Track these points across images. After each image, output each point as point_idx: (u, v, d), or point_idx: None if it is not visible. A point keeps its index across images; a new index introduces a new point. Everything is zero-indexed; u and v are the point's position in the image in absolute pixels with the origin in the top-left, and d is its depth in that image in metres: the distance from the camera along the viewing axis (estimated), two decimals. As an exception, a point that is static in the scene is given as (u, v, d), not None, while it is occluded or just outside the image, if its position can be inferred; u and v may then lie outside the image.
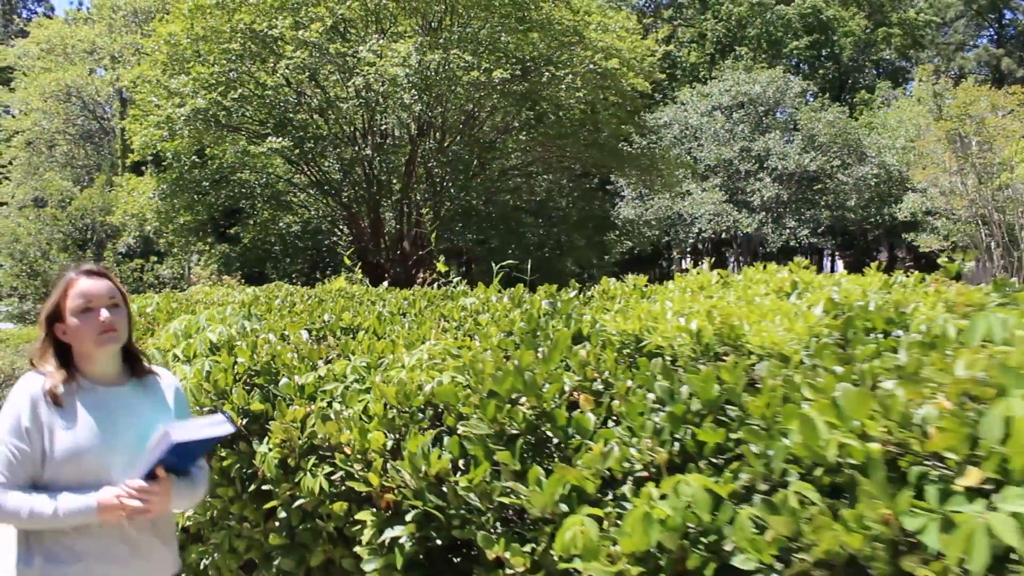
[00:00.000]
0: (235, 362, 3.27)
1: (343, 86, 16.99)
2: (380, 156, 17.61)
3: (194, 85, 16.59)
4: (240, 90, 16.96)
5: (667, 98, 33.44)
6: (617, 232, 27.27)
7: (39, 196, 25.44)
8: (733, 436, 1.80)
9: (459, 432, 2.22)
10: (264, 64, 17.29)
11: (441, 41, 17.02)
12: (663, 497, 1.69)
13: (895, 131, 29.02)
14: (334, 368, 3.01)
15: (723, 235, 30.72)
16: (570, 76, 17.51)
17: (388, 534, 2.37)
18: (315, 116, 18.08)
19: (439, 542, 2.29)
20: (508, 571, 1.96)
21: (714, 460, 1.81)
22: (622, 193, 29.85)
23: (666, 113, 31.04)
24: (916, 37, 35.81)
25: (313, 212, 19.43)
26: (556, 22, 17.73)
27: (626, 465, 1.89)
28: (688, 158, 29.39)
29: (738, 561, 1.60)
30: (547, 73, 17.52)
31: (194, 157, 18.29)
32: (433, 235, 14.18)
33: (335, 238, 19.80)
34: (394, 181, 18.64)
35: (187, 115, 16.35)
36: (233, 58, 16.95)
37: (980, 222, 23.37)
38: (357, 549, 2.55)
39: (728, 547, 1.62)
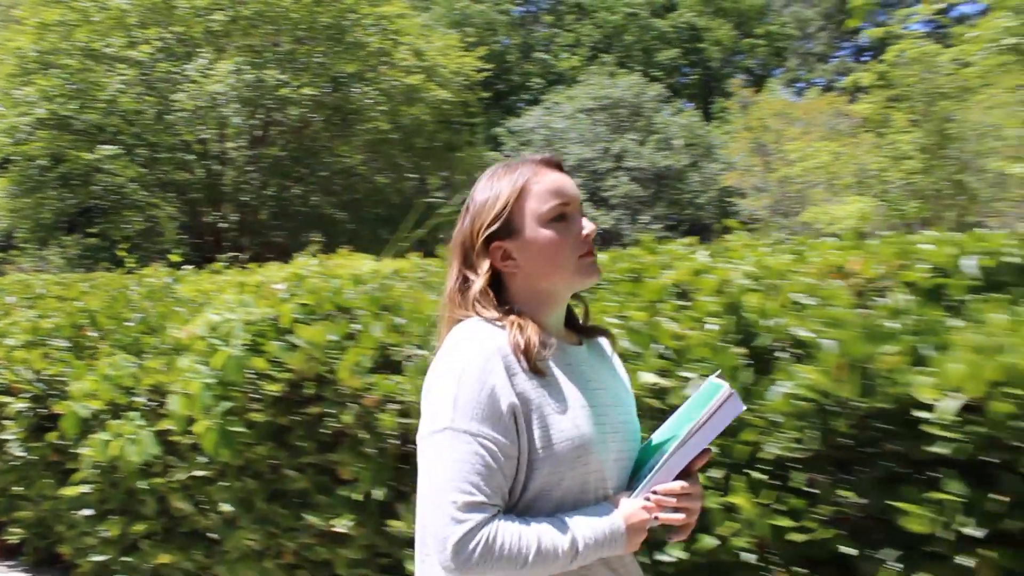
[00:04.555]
0: None
1: (171, 101, 19.37)
2: (211, 163, 20.06)
3: (38, 95, 18.91)
4: (79, 101, 19.28)
5: (540, 103, 35.89)
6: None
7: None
8: None
9: None
10: (100, 78, 19.59)
11: (259, 61, 19.44)
12: None
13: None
14: None
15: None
16: (376, 91, 20.07)
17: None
18: (151, 126, 20.40)
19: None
20: None
21: None
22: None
23: (532, 118, 33.51)
24: (777, 48, 38.62)
25: (156, 212, 21.71)
26: (367, 45, 20.28)
27: None
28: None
29: None
30: (356, 89, 20.10)
31: (46, 161, 20.52)
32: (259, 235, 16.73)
33: (181, 237, 22.10)
34: (226, 185, 20.99)
35: (30, 124, 18.72)
36: (72, 72, 19.27)
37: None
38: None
39: None
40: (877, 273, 2.80)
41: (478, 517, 1.38)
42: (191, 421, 3.59)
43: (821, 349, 2.21)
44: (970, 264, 2.66)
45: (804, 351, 2.32)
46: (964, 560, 2.10)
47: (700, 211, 32.73)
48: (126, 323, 4.69)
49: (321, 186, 21.26)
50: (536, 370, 1.49)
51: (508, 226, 1.57)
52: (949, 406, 2.00)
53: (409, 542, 3.08)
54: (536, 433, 1.46)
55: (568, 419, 1.49)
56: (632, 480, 1.61)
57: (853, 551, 2.24)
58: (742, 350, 2.55)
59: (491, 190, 1.60)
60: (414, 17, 23.22)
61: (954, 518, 2.06)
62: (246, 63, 18.73)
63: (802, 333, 2.32)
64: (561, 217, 1.57)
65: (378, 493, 3.17)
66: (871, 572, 2.22)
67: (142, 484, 4.05)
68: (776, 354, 2.47)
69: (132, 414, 4.05)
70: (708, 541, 2.40)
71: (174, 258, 6.52)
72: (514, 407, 1.45)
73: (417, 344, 3.16)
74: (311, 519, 3.38)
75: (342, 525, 3.26)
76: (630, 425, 1.66)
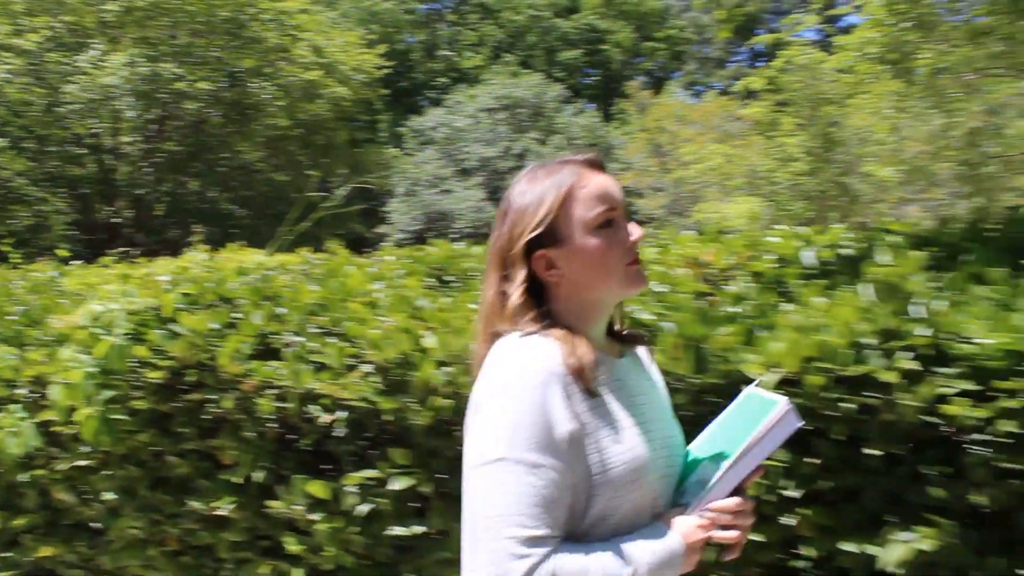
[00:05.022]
0: None
1: (61, 93, 18.87)
2: (104, 158, 19.60)
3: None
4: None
5: (442, 103, 36.01)
6: (381, 225, 30.07)
7: None
8: None
9: None
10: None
11: (155, 54, 19.08)
12: None
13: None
14: None
15: (484, 230, 33.47)
16: (274, 87, 19.88)
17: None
18: (40, 118, 19.82)
19: None
20: None
21: None
22: (396, 190, 32.44)
23: (434, 116, 33.58)
24: (677, 52, 39.59)
25: (45, 207, 21.11)
26: (265, 40, 20.07)
27: None
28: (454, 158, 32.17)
29: None
30: (254, 84, 19.88)
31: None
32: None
33: (72, 233, 21.52)
34: (120, 181, 20.54)
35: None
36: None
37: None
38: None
39: None
40: (728, 263, 3.02)
41: (540, 551, 1.31)
42: (73, 411, 3.62)
43: (661, 331, 2.41)
44: (809, 255, 2.90)
45: (648, 333, 2.52)
46: (787, 519, 2.33)
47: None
48: (8, 316, 4.66)
49: (219, 182, 20.97)
50: (590, 392, 1.41)
51: (552, 233, 1.48)
52: (767, 380, 2.22)
53: (287, 523, 3.22)
54: (593, 458, 1.39)
55: (624, 441, 1.43)
56: (674, 495, 1.54)
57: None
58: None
59: (532, 194, 1.50)
60: (319, 14, 23.08)
61: (776, 481, 2.28)
62: (141, 56, 18.38)
63: (645, 316, 2.51)
64: (608, 223, 1.49)
65: (258, 476, 3.26)
66: (707, 534, 2.42)
67: (23, 477, 4.05)
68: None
69: (13, 407, 4.05)
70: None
71: (62, 253, 6.44)
72: (572, 433, 1.37)
73: (295, 331, 3.27)
74: (193, 504, 3.45)
75: (223, 508, 3.34)
76: (674, 439, 1.59)
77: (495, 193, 32.58)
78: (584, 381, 1.39)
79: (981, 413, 2.10)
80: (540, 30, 39.40)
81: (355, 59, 22.43)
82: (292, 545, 3.19)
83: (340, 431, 3.04)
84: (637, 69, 40.84)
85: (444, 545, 2.88)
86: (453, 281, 3.66)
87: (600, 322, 1.55)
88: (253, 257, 5.21)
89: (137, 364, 3.51)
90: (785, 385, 2.24)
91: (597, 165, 1.54)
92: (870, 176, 15.78)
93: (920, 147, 13.23)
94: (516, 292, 1.48)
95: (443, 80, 37.50)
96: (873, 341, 2.24)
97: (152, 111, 19.44)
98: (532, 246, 1.48)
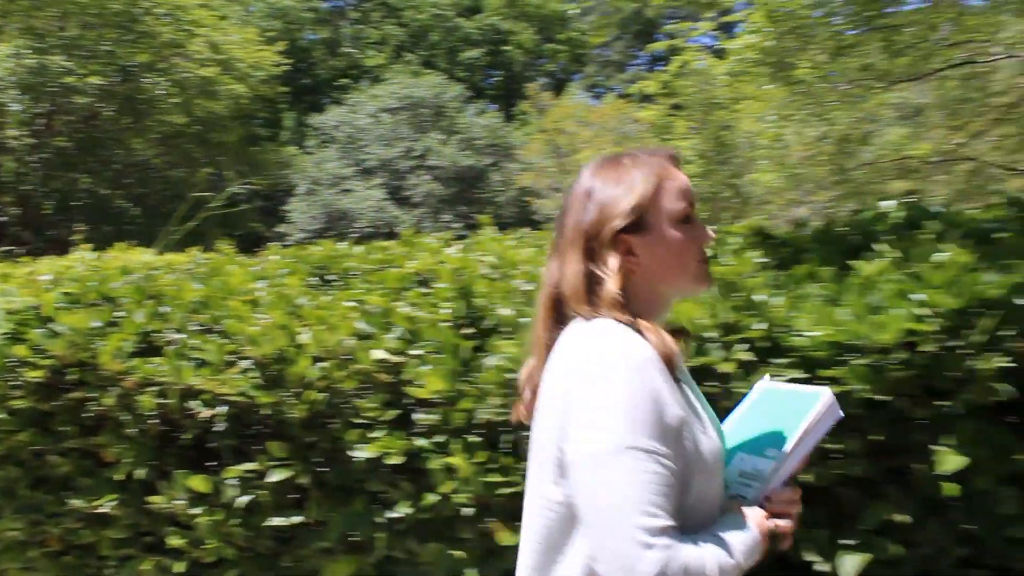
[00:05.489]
0: None
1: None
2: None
3: None
4: None
5: (344, 102, 35.80)
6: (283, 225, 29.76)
7: None
8: None
9: None
10: None
11: (42, 45, 18.55)
12: None
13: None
14: None
15: (384, 230, 33.41)
16: (169, 83, 19.52)
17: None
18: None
19: None
20: None
21: None
22: (297, 189, 32.13)
23: (336, 115, 33.36)
24: (578, 55, 40.16)
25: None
26: (159, 35, 19.69)
27: None
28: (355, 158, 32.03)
29: None
30: (147, 79, 19.49)
31: None
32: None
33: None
34: (6, 176, 19.89)
35: None
36: None
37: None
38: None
39: None
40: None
41: (665, 541, 1.29)
42: (-52, 411, 3.60)
43: (521, 326, 2.57)
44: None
45: (513, 329, 2.68)
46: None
47: (500, 210, 33.51)
48: None
49: (112, 179, 20.48)
50: (676, 380, 1.42)
51: (640, 221, 1.48)
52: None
53: (169, 518, 3.28)
54: (689, 446, 1.39)
55: (707, 431, 1.44)
56: None
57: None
58: (471, 330, 2.88)
59: (622, 182, 1.50)
60: (219, 9, 22.74)
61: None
62: (27, 47, 17.87)
63: (506, 312, 2.67)
64: (687, 219, 1.51)
65: (140, 472, 3.31)
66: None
67: None
68: (496, 332, 2.82)
69: None
70: (431, 498, 2.71)
71: None
72: (678, 420, 1.37)
73: (177, 329, 3.33)
74: (75, 502, 3.47)
75: (105, 506, 3.38)
76: (720, 430, 1.58)
77: (396, 193, 32.58)
78: (672, 369, 1.40)
79: (807, 400, 2.31)
80: (443, 29, 39.49)
81: (253, 56, 22.17)
82: (174, 539, 3.24)
83: (220, 426, 3.12)
84: (539, 71, 41.26)
85: (322, 535, 2.98)
86: (335, 280, 3.76)
87: (663, 316, 1.54)
88: (141, 256, 5.20)
89: (16, 363, 3.52)
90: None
91: (678, 161, 1.57)
92: (755, 181, 16.33)
93: (802, 152, 13.80)
94: (613, 279, 1.45)
95: (345, 80, 37.22)
96: (714, 334, 2.43)
97: (40, 105, 18.89)
98: (634, 227, 1.48)
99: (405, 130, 32.86)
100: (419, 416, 2.78)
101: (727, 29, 16.91)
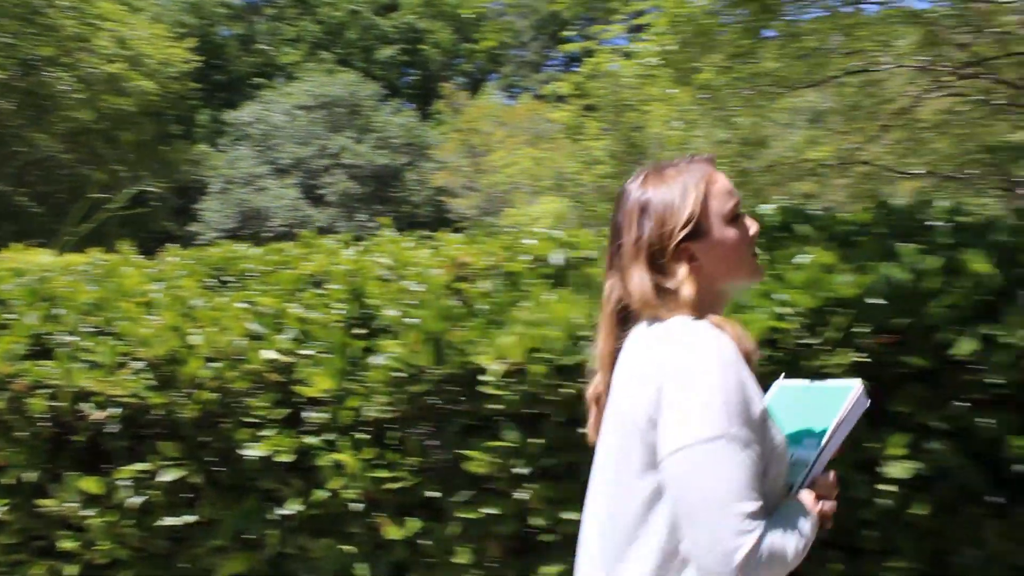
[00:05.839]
0: None
1: None
2: None
3: None
4: None
5: (258, 98, 35.33)
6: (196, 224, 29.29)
7: None
8: None
9: None
10: None
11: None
12: None
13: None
14: None
15: (298, 228, 33.10)
16: (74, 78, 19.05)
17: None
18: None
19: None
20: None
21: None
22: (210, 188, 31.60)
23: (250, 112, 32.90)
24: (494, 55, 40.27)
25: None
26: (63, 28, 19.19)
27: None
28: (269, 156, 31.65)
29: None
30: (50, 74, 18.99)
31: None
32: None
33: None
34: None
35: None
36: None
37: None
38: None
39: None
40: (486, 264, 3.30)
41: (759, 525, 1.37)
42: None
43: (405, 327, 2.65)
44: (556, 257, 3.21)
45: (400, 329, 2.76)
46: (520, 494, 2.61)
47: (416, 209, 33.49)
48: None
49: (14, 176, 19.90)
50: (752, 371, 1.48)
51: (698, 228, 1.53)
52: (496, 369, 2.50)
53: (61, 521, 3.27)
54: (769, 435, 1.46)
55: (776, 421, 1.51)
56: None
57: (438, 494, 2.71)
58: (363, 330, 2.96)
59: (673, 191, 1.55)
60: (130, 3, 22.23)
61: (508, 460, 2.56)
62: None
63: (391, 313, 2.75)
64: (736, 217, 1.57)
65: (31, 476, 3.30)
66: (452, 510, 2.69)
67: None
68: (386, 332, 2.89)
69: None
70: (321, 495, 2.78)
71: None
72: (762, 410, 1.45)
73: (70, 331, 3.32)
74: (-37, 509, 3.44)
75: (-4, 511, 3.35)
76: None
77: (311, 191, 32.29)
78: (750, 363, 1.48)
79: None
80: (359, 27, 39.23)
81: (163, 52, 21.77)
82: (66, 543, 3.24)
83: (113, 427, 3.13)
84: (456, 70, 41.29)
85: (215, 533, 3.02)
86: (232, 281, 3.78)
87: (722, 311, 1.59)
88: (39, 257, 5.13)
89: (-100, 367, 3.47)
90: (513, 375, 2.53)
91: (715, 164, 1.63)
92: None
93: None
94: (686, 285, 1.51)
95: (260, 80, 36.72)
96: (590, 333, 2.55)
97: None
98: (696, 231, 1.54)
99: (320, 128, 32.57)
100: (309, 415, 2.84)
101: (640, 31, 17.16)
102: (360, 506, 2.78)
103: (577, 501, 2.54)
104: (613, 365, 1.61)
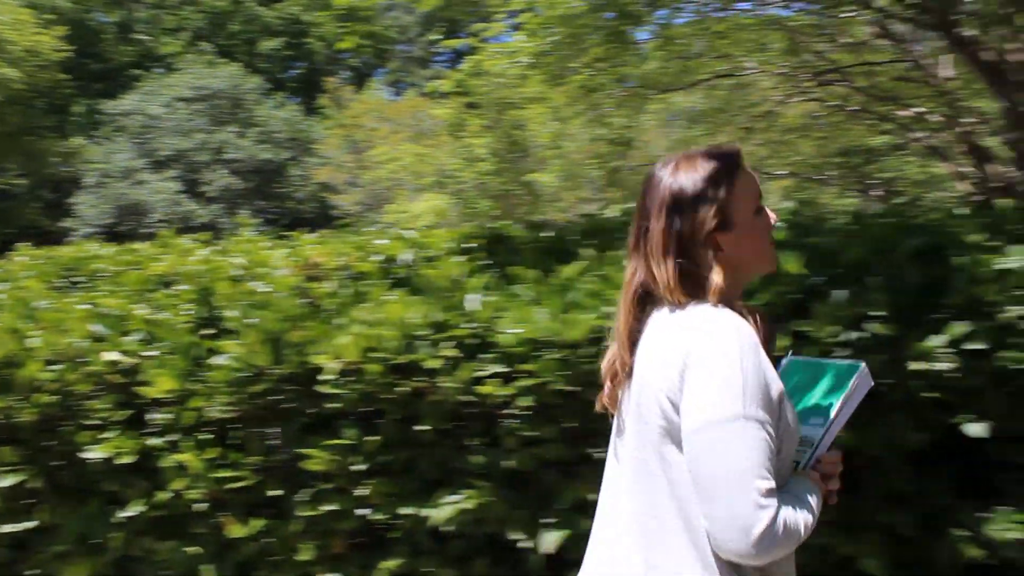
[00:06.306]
0: None
1: None
2: None
3: None
4: None
5: (137, 88, 34.30)
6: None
7: None
8: None
9: None
10: None
11: None
12: None
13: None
14: None
15: (179, 224, 32.30)
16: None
17: None
18: None
19: None
20: None
21: None
22: (84, 181, 30.51)
23: (129, 103, 31.92)
24: (380, 50, 40.04)
25: None
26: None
27: None
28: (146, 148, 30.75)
29: None
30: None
31: None
32: None
33: None
34: None
35: None
36: None
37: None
38: None
39: None
40: (337, 263, 3.35)
41: (775, 501, 1.42)
42: None
43: (245, 327, 2.69)
44: (405, 257, 3.29)
45: (241, 329, 2.79)
46: (360, 491, 2.68)
47: (300, 205, 33.07)
48: None
49: None
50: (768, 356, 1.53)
51: (727, 220, 1.57)
52: (333, 368, 2.56)
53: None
54: (784, 416, 1.51)
55: (789, 403, 1.55)
56: None
57: (280, 493, 2.76)
58: (211, 331, 2.98)
59: (704, 181, 1.58)
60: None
61: (347, 458, 2.63)
62: None
63: (232, 313, 2.79)
64: (759, 209, 1.62)
65: None
66: (294, 508, 2.74)
67: None
68: (231, 333, 2.92)
69: None
70: (164, 495, 2.80)
71: None
72: (779, 392, 1.50)
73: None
74: None
75: None
76: None
77: (193, 186, 31.49)
78: (768, 350, 1.52)
79: (507, 391, 2.56)
80: (243, 18, 38.45)
81: (29, 39, 20.97)
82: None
83: (-51, 433, 3.07)
84: (342, 64, 40.83)
85: (57, 538, 3.00)
86: (82, 282, 3.74)
87: (740, 299, 1.63)
88: None
89: None
90: (351, 375, 2.60)
91: (741, 156, 1.65)
92: (536, 180, 16.84)
93: (581, 154, 14.39)
94: (717, 273, 1.55)
95: (138, 71, 35.59)
96: (425, 333, 2.64)
97: None
98: (723, 224, 1.57)
99: (201, 121, 31.82)
100: (152, 416, 2.85)
101: (519, 29, 17.31)
102: (204, 506, 2.81)
103: (414, 496, 2.65)
104: (631, 343, 1.65)
